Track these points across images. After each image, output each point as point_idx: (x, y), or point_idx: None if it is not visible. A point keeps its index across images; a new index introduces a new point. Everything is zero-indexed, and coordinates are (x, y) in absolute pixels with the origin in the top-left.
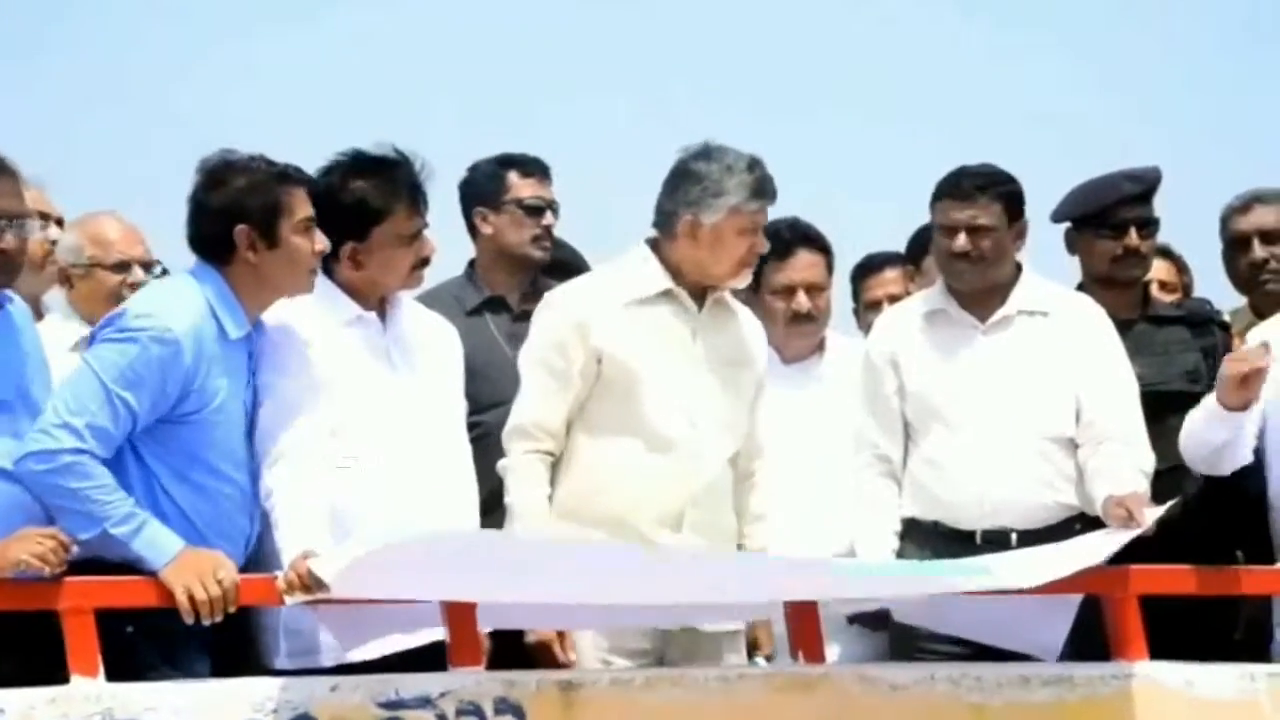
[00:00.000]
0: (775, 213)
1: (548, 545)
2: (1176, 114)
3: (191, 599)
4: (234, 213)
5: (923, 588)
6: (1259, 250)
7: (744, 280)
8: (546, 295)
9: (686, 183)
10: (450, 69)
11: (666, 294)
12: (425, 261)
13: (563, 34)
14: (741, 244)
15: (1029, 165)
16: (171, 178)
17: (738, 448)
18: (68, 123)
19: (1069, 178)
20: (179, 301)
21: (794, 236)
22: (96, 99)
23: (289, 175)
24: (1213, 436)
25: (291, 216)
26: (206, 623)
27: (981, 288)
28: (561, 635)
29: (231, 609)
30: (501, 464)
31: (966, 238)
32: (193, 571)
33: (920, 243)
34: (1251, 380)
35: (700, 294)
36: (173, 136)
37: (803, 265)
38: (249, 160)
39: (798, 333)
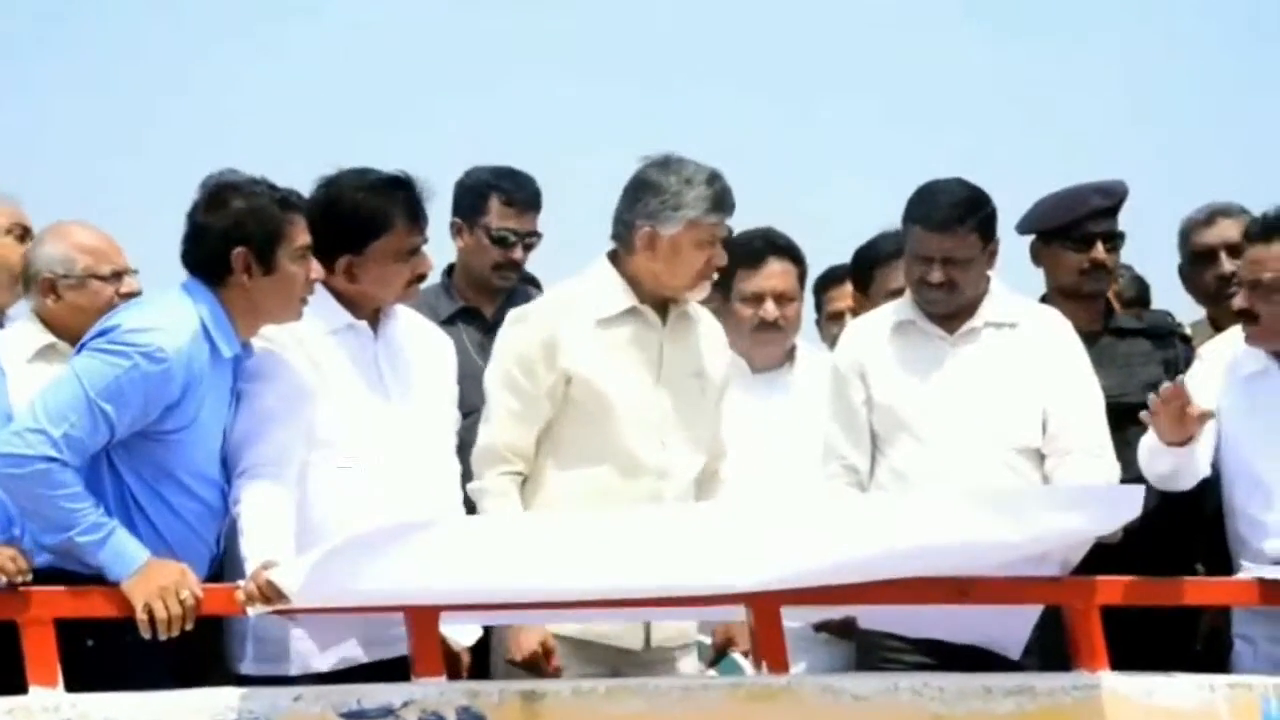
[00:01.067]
0: (776, 221)
1: (516, 524)
2: (1177, 114)
3: (151, 615)
4: (233, 236)
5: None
6: (1226, 264)
7: (701, 293)
8: (511, 313)
9: (645, 194)
10: (450, 64)
11: (631, 311)
12: (421, 278)
13: (562, 26)
14: (700, 257)
15: (1026, 163)
16: (168, 177)
17: (705, 461)
18: (65, 122)
19: (1066, 178)
20: (174, 321)
21: (766, 245)
22: (94, 98)
23: (290, 201)
24: (1160, 467)
25: (290, 244)
26: (164, 638)
27: (952, 312)
28: (545, 650)
29: (189, 626)
30: (473, 486)
31: (942, 270)
32: (155, 586)
33: (865, 264)
34: (1182, 418)
35: (663, 306)
36: (171, 136)
37: (773, 274)
38: (252, 183)
39: (764, 340)
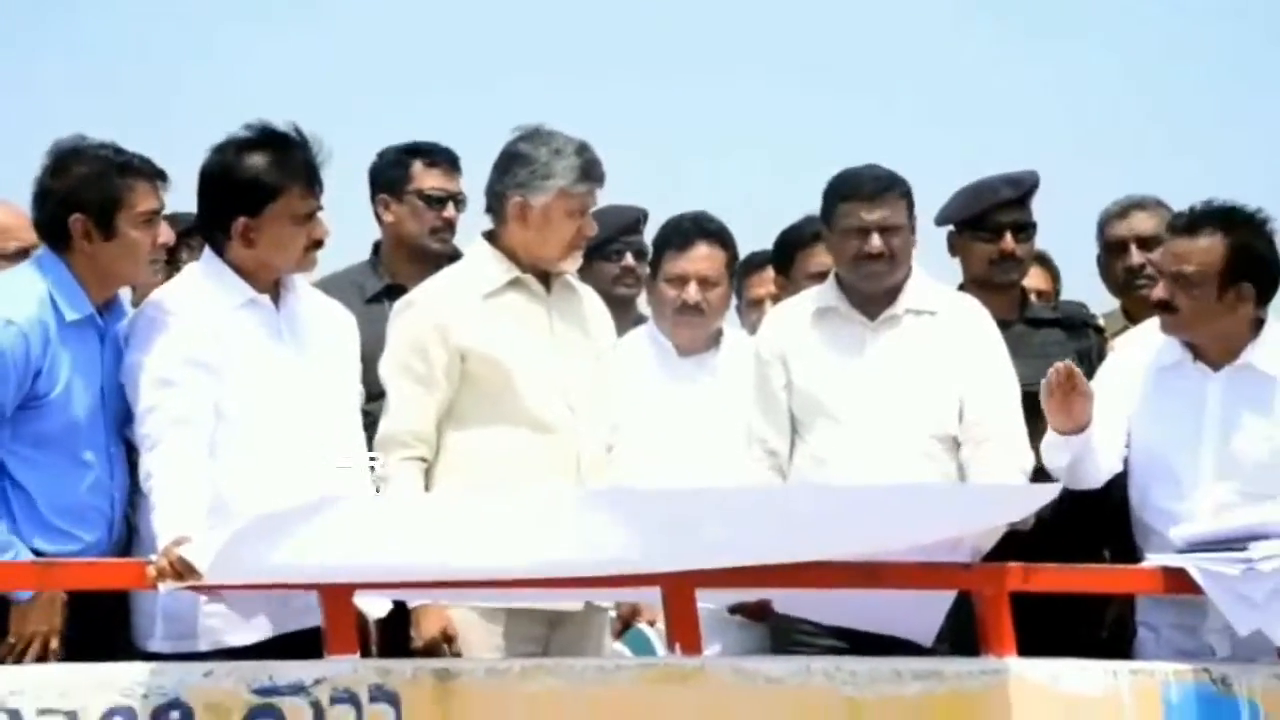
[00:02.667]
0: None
1: (429, 502)
2: (1177, 113)
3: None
4: (71, 202)
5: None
6: (1136, 256)
7: (573, 264)
8: (398, 302)
9: (515, 165)
10: (450, 64)
11: (515, 282)
12: (318, 244)
13: (562, 26)
14: (570, 226)
15: (1027, 162)
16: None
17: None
18: (64, 120)
19: (1068, 179)
20: (15, 290)
21: (695, 228)
22: (94, 97)
23: (132, 167)
24: (1058, 460)
25: (131, 209)
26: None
27: (889, 287)
28: (448, 638)
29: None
30: (377, 474)
31: (881, 239)
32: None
33: (787, 248)
34: (1070, 404)
35: (545, 277)
36: (170, 134)
37: (698, 256)
38: (97, 148)
39: (684, 323)
